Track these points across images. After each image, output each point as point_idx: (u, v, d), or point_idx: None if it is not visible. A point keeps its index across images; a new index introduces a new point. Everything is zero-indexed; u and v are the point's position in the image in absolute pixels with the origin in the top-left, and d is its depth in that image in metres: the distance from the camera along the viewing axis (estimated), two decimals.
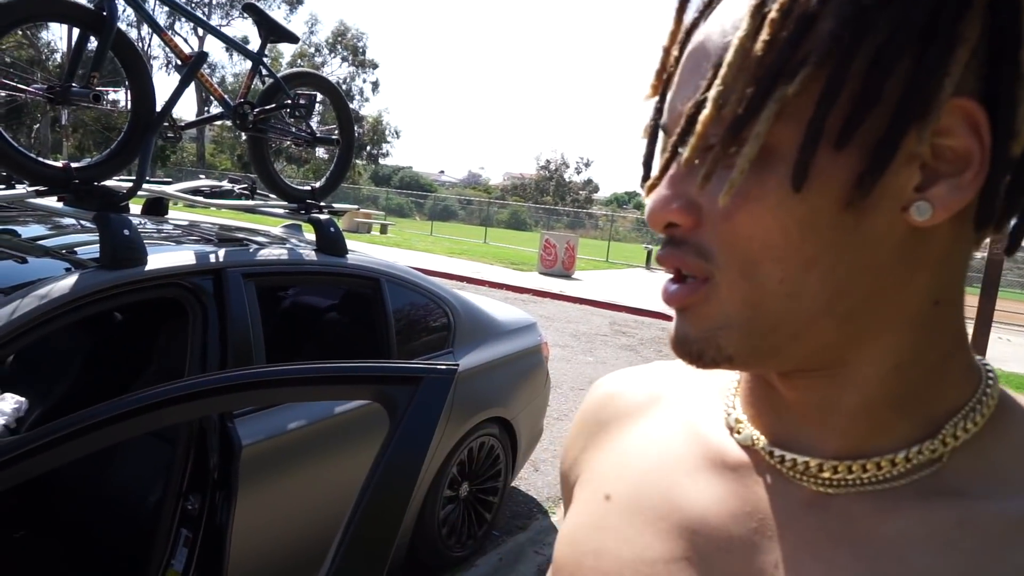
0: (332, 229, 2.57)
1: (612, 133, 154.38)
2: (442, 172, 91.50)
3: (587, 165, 61.29)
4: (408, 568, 2.90)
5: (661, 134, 0.44)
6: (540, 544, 3.50)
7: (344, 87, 42.74)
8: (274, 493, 2.13)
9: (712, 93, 0.37)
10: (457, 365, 1.27)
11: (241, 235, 2.55)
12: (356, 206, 5.45)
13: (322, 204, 2.79)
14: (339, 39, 42.55)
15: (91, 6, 1.99)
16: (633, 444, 0.54)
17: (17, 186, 2.11)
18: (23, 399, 2.37)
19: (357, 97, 43.26)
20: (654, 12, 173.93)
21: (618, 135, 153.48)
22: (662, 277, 0.42)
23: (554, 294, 13.06)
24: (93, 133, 28.73)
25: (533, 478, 4.28)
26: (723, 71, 0.37)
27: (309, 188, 2.84)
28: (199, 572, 1.90)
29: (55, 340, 2.77)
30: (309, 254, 2.51)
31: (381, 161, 48.07)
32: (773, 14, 0.35)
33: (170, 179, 3.12)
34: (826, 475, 0.42)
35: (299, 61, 40.98)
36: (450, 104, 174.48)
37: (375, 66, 43.51)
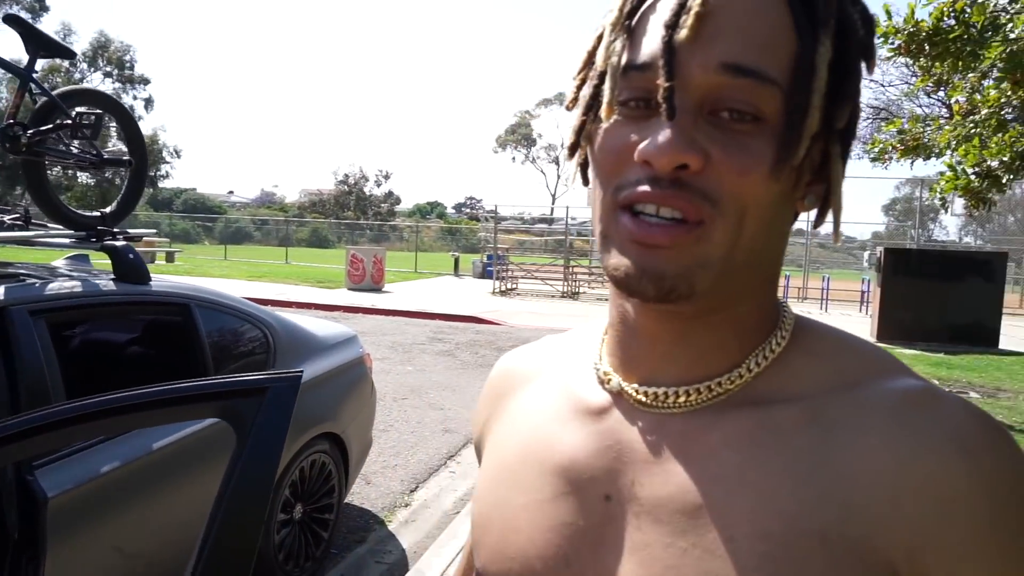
0: (131, 255, 2.41)
1: (409, 144, 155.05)
2: (231, 192, 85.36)
3: (387, 177, 60.18)
4: None
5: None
6: (380, 554, 3.51)
7: None
8: (92, 545, 1.96)
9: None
10: (301, 371, 1.29)
11: (20, 271, 2.30)
12: (153, 231, 4.92)
13: (115, 231, 2.58)
14: (100, 52, 38.39)
15: None
16: (522, 407, 0.63)
17: None
18: None
19: None
20: (448, 19, 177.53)
21: (416, 146, 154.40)
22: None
23: (366, 308, 12.89)
24: None
25: (366, 491, 4.25)
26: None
27: (99, 214, 2.62)
28: None
29: None
30: (107, 284, 2.33)
31: (161, 184, 44.04)
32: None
33: None
34: (670, 400, 0.52)
35: (51, 76, 36.41)
36: (236, 120, 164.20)
37: (146, 82, 39.97)
